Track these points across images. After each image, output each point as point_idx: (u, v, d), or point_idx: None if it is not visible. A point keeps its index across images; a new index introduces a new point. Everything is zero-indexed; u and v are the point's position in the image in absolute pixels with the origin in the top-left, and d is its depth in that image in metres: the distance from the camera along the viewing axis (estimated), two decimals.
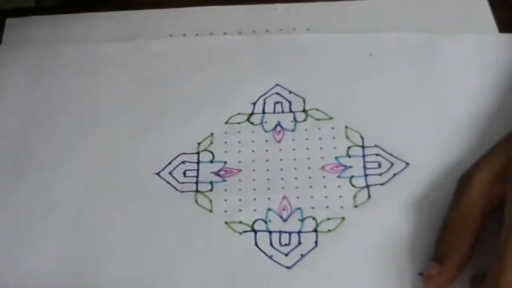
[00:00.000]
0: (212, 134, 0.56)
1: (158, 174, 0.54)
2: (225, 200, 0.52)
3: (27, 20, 0.64)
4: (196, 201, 0.52)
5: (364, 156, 0.54)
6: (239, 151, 0.55)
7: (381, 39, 0.60)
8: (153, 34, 0.62)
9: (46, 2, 0.73)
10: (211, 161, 0.54)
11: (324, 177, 0.53)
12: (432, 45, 0.59)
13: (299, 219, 0.51)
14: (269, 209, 0.52)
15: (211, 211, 0.52)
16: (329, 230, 0.51)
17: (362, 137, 0.55)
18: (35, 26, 0.64)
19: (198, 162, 0.54)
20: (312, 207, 0.52)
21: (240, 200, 0.52)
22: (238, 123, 0.56)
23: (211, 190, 0.53)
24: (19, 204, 0.53)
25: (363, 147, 0.54)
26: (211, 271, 0.49)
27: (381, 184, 0.52)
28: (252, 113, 0.57)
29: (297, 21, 0.63)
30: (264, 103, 0.57)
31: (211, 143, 0.55)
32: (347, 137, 0.55)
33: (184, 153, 0.55)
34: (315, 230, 0.51)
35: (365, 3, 0.63)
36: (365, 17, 0.62)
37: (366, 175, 0.53)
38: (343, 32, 0.61)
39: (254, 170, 0.54)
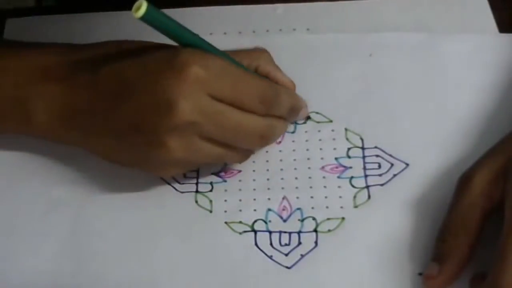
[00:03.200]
0: None
1: None
2: (225, 200, 0.52)
3: (27, 20, 0.65)
4: (196, 201, 0.52)
5: (364, 157, 0.54)
6: None
7: (381, 39, 0.60)
8: (153, 34, 0.62)
9: (46, 2, 0.73)
10: None
11: (324, 177, 0.53)
12: (432, 45, 0.59)
13: (299, 219, 0.51)
14: (269, 209, 0.52)
15: (211, 211, 0.52)
16: (329, 230, 0.51)
17: (362, 139, 0.55)
18: (35, 26, 0.64)
19: None
20: (312, 207, 0.52)
21: (240, 200, 0.52)
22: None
23: (211, 190, 0.53)
24: (19, 204, 0.53)
25: (363, 148, 0.54)
26: (211, 271, 0.49)
27: (381, 185, 0.52)
28: None
29: (297, 21, 0.63)
30: None
31: None
32: (347, 139, 0.55)
33: None
34: (315, 230, 0.51)
35: (365, 3, 0.63)
36: (365, 17, 0.62)
37: (366, 176, 0.53)
38: (343, 32, 0.61)
39: (254, 171, 0.54)
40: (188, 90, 0.46)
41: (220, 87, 0.47)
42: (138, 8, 0.44)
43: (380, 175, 0.53)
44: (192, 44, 0.48)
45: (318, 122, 0.56)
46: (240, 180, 0.53)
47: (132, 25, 0.64)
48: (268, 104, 0.49)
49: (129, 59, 0.48)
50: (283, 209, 0.52)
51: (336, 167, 0.54)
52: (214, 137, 0.48)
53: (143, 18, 0.45)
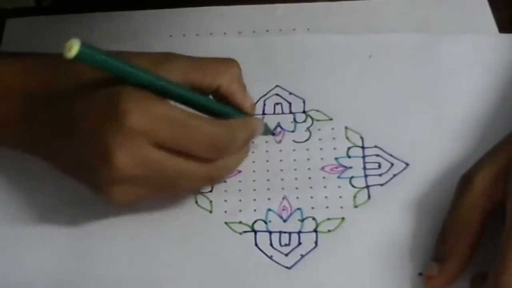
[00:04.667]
0: None
1: None
2: (225, 200, 0.52)
3: (27, 20, 0.65)
4: (196, 202, 0.52)
5: (364, 156, 0.54)
6: None
7: (380, 40, 0.60)
8: (153, 34, 0.62)
9: (46, 2, 0.73)
10: None
11: (324, 177, 0.53)
12: (431, 45, 0.59)
13: (299, 219, 0.51)
14: (269, 210, 0.52)
15: (211, 212, 0.52)
16: (329, 231, 0.51)
17: (362, 138, 0.55)
18: (35, 26, 0.64)
19: None
20: (312, 208, 0.52)
21: (240, 200, 0.52)
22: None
23: (211, 191, 0.53)
24: (19, 205, 0.53)
25: (363, 147, 0.54)
26: (211, 271, 0.49)
27: (381, 185, 0.52)
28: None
29: (297, 21, 0.63)
30: (264, 104, 0.57)
31: None
32: (347, 138, 0.55)
33: None
34: (315, 230, 0.51)
35: (365, 4, 0.63)
36: (365, 18, 0.62)
37: (366, 176, 0.53)
38: (343, 32, 0.61)
39: (254, 171, 0.54)
40: (126, 141, 0.44)
41: (163, 136, 0.45)
42: (70, 49, 0.42)
43: (380, 175, 0.53)
44: (138, 82, 0.45)
45: (318, 120, 0.56)
46: (240, 181, 0.53)
47: (132, 26, 0.64)
48: (220, 150, 0.47)
49: (79, 99, 0.47)
50: (283, 209, 0.52)
51: (336, 167, 0.54)
52: (158, 183, 0.47)
53: (77, 59, 0.42)
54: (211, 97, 0.51)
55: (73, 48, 0.41)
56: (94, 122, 0.45)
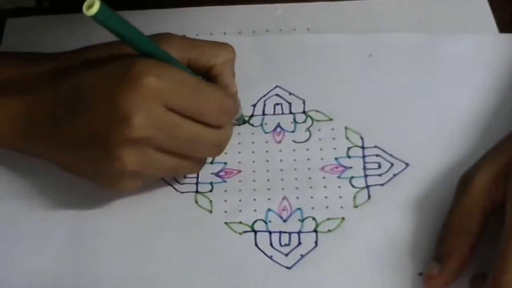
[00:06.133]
0: None
1: None
2: (225, 200, 0.52)
3: (27, 20, 0.65)
4: (196, 202, 0.52)
5: (364, 156, 0.54)
6: (239, 152, 0.55)
7: (380, 39, 0.60)
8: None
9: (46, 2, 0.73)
10: (211, 162, 0.54)
11: (324, 177, 0.53)
12: (432, 45, 0.59)
13: (299, 219, 0.51)
14: (269, 210, 0.52)
15: (211, 212, 0.52)
16: (329, 230, 0.51)
17: (362, 138, 0.55)
18: (35, 26, 0.64)
19: None
20: (312, 208, 0.52)
21: (240, 200, 0.52)
22: (238, 124, 0.56)
23: (211, 190, 0.53)
24: (19, 205, 0.53)
25: (363, 147, 0.54)
26: (211, 271, 0.49)
27: (381, 185, 0.52)
28: (252, 115, 0.57)
29: (297, 21, 0.63)
30: (264, 105, 0.57)
31: None
32: (347, 138, 0.55)
33: None
34: (315, 230, 0.51)
35: (365, 3, 0.63)
36: (365, 17, 0.62)
37: (366, 176, 0.53)
38: (343, 32, 0.61)
39: (254, 171, 0.54)
40: (142, 102, 0.45)
41: (176, 98, 0.46)
42: (90, 6, 0.42)
43: (380, 175, 0.53)
44: (147, 51, 0.46)
45: (318, 121, 0.56)
46: (240, 181, 0.53)
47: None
48: (228, 116, 0.49)
49: (87, 71, 0.47)
50: (283, 209, 0.52)
51: (336, 167, 0.54)
52: (169, 148, 0.47)
53: (95, 18, 0.42)
54: (200, 77, 0.52)
55: (95, 5, 0.41)
56: (109, 89, 0.45)
